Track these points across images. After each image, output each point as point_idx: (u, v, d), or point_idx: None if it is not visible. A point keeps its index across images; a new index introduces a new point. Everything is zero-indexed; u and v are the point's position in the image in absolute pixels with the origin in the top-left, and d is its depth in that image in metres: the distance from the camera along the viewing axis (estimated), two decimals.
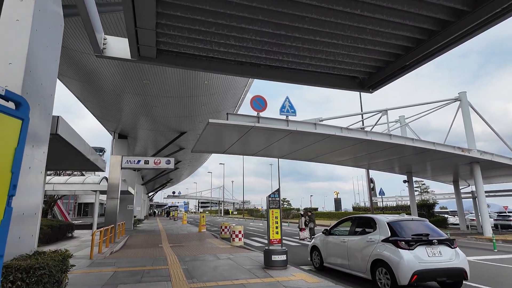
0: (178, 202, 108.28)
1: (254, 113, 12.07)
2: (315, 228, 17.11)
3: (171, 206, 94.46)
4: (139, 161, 14.66)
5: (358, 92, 23.80)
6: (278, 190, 7.77)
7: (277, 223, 7.54)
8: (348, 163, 21.63)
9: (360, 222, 6.83)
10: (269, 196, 7.68)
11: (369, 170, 25.39)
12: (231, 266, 7.40)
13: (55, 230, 12.69)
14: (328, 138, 13.75)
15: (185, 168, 44.28)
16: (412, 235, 5.61)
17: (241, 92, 17.79)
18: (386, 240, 5.70)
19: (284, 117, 12.72)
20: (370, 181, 43.00)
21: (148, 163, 14.71)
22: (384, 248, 5.65)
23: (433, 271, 5.24)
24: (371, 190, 41.07)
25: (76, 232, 17.01)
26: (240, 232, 12.65)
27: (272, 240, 7.42)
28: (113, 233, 12.76)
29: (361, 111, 26.89)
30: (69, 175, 27.71)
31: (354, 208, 36.90)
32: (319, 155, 17.74)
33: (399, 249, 5.38)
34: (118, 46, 4.13)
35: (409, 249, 5.37)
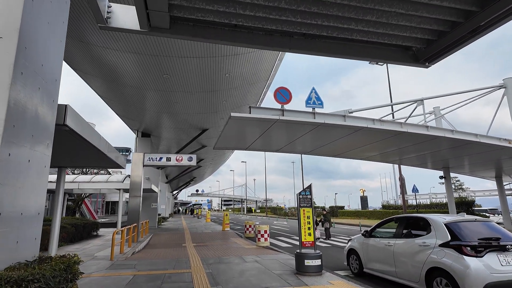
0: (201, 200, 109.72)
1: (278, 106, 11.29)
2: (330, 228, 16.09)
3: (194, 204, 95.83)
4: (161, 158, 14.33)
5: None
6: (309, 187, 6.97)
7: (309, 224, 6.74)
8: (377, 159, 20.29)
9: (409, 222, 5.89)
10: (300, 193, 6.89)
11: (395, 166, 23.85)
12: (259, 271, 6.69)
13: (79, 229, 12.58)
14: (359, 132, 12.69)
15: (207, 166, 44.30)
16: (478, 239, 4.64)
17: (263, 86, 17.07)
18: (445, 245, 4.76)
19: (310, 110, 11.82)
20: (400, 178, 40.94)
21: (170, 160, 14.34)
22: (443, 255, 4.71)
23: (510, 284, 4.26)
24: (402, 187, 39.06)
25: (102, 231, 17.02)
26: (265, 231, 11.94)
27: (304, 242, 6.63)
28: (135, 232, 12.47)
29: (391, 101, 25.34)
30: (95, 174, 28.25)
31: (384, 206, 35.14)
32: (346, 150, 16.62)
33: (464, 256, 4.43)
34: (125, 15, 3.52)
35: (477, 256, 4.41)
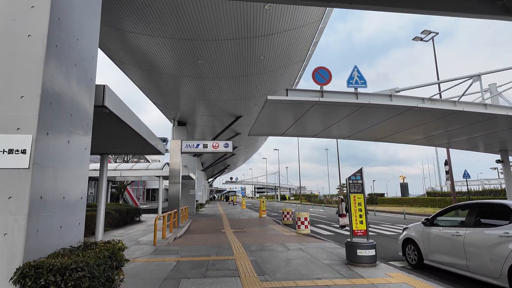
0: (235, 188, 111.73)
1: (315, 89, 10.58)
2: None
3: (229, 192, 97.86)
4: (197, 145, 14.30)
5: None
6: (360, 171, 6.34)
7: (361, 211, 6.15)
8: (422, 142, 18.71)
9: (483, 210, 5.09)
10: (350, 178, 6.29)
11: (438, 151, 21.99)
12: (306, 260, 6.28)
13: (123, 214, 13.01)
14: (406, 112, 11.58)
15: (241, 154, 44.50)
16: None
17: (298, 68, 16.28)
18: None
19: (352, 90, 10.94)
20: (446, 163, 38.14)
21: (206, 147, 14.28)
22: None
23: None
24: (448, 173, 36.35)
25: (143, 216, 17.65)
26: (306, 219, 11.48)
27: (356, 231, 6.08)
28: (176, 218, 12.64)
29: (437, 78, 23.24)
30: (136, 162, 29.45)
31: (428, 193, 32.97)
32: (389, 134, 15.41)
33: None
34: None
35: None
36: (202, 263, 6.08)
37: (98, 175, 7.58)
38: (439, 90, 21.44)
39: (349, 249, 5.95)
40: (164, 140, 70.32)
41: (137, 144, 7.42)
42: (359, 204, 6.17)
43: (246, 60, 13.23)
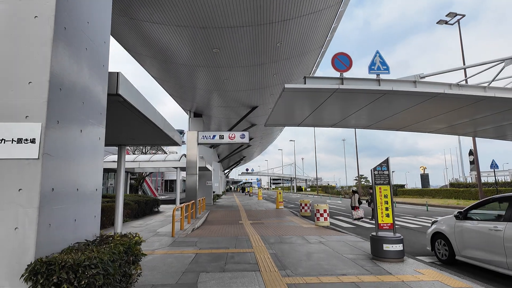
0: (251, 179, 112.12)
1: (335, 76, 10.11)
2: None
3: (245, 183, 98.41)
4: (214, 136, 14.18)
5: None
6: (387, 161, 5.96)
7: (387, 203, 5.80)
8: (446, 131, 17.78)
9: None
10: (375, 169, 5.93)
11: (461, 140, 20.92)
12: (328, 254, 6.02)
13: (141, 205, 13.14)
14: (431, 99, 10.91)
15: (256, 145, 44.34)
16: None
17: (315, 55, 15.73)
18: None
19: (374, 76, 10.40)
20: (471, 153, 36.53)
21: (223, 138, 14.13)
22: None
23: None
24: (473, 163, 34.79)
25: (162, 207, 17.86)
26: (325, 211, 11.18)
27: (382, 224, 5.75)
28: (194, 209, 12.64)
29: (463, 63, 22.00)
30: (154, 154, 29.84)
31: (452, 184, 31.70)
32: (412, 123, 14.65)
33: None
34: None
35: None
36: (221, 255, 5.94)
37: (116, 167, 7.56)
38: (465, 76, 20.29)
39: (375, 243, 5.64)
40: (181, 132, 71.10)
41: (154, 135, 7.31)
42: (385, 196, 5.82)
43: (262, 48, 12.86)
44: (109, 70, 3.79)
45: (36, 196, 2.35)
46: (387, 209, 5.79)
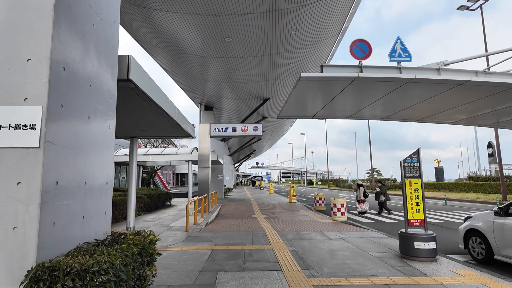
0: (261, 173, 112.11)
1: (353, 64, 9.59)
2: (386, 202, 13.70)
3: (255, 176, 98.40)
4: (226, 128, 13.84)
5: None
6: (417, 152, 5.49)
7: (418, 198, 5.36)
8: (467, 122, 16.95)
9: None
10: (405, 160, 5.47)
11: (478, 132, 20.04)
12: (352, 252, 5.63)
13: (154, 199, 12.97)
14: (456, 88, 10.26)
15: (267, 139, 43.96)
16: None
17: (331, 44, 15.13)
18: None
19: (394, 64, 9.83)
20: (489, 145, 35.25)
21: (235, 130, 13.78)
22: None
23: None
24: (492, 156, 33.54)
25: (174, 201, 17.73)
26: (342, 205, 10.75)
27: (412, 220, 5.31)
28: (207, 203, 12.41)
29: (486, 50, 20.94)
30: (165, 147, 29.81)
31: (470, 177, 30.62)
32: (430, 114, 13.91)
33: None
34: None
35: None
36: (238, 252, 5.63)
37: (127, 160, 7.31)
38: (487, 64, 19.33)
39: (404, 241, 5.21)
40: (192, 125, 71.35)
41: (166, 126, 7.01)
42: (416, 190, 5.37)
43: (276, 36, 12.36)
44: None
45: (38, 191, 2.04)
46: (417, 204, 5.34)
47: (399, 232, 5.44)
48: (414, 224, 5.30)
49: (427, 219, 11.80)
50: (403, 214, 13.31)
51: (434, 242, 5.09)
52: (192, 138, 9.24)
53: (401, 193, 27.41)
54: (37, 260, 1.98)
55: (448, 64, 11.19)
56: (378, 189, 13.80)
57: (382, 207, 13.56)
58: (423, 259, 5.02)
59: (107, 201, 3.04)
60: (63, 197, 2.28)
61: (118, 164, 20.16)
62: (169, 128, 7.30)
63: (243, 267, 4.66)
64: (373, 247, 6.03)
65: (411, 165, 5.45)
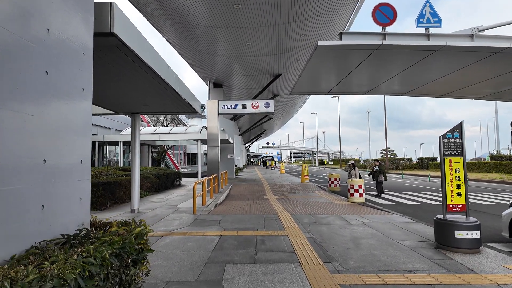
0: (271, 153, 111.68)
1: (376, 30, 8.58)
2: (382, 182, 12.53)
3: (266, 156, 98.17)
4: (236, 105, 13.08)
5: None
6: (460, 126, 4.64)
7: (459, 179, 4.57)
8: (491, 97, 15.48)
9: None
10: (445, 136, 4.65)
11: (498, 110, 18.44)
12: (379, 240, 4.96)
13: (162, 178, 12.54)
14: (491, 57, 9.08)
15: (278, 118, 42.97)
16: None
17: (349, 13, 13.83)
18: None
19: (422, 31, 8.72)
20: None
21: (245, 107, 13.02)
22: None
23: None
24: None
25: (184, 180, 17.37)
26: (360, 186, 10.04)
27: (451, 205, 4.56)
28: (216, 183, 11.90)
29: None
30: (174, 126, 29.38)
31: (492, 157, 29.15)
32: (456, 88, 12.65)
33: None
34: None
35: None
36: (249, 239, 5.04)
37: (130, 139, 6.71)
38: None
39: (442, 228, 4.49)
40: (202, 106, 70.70)
41: (169, 100, 6.31)
42: (457, 170, 4.57)
43: (289, 2, 11.26)
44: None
45: None
46: (458, 186, 4.56)
47: (434, 218, 4.71)
48: (453, 209, 4.55)
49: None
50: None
51: (479, 231, 4.35)
52: (201, 115, 8.55)
53: (434, 173, 26.21)
54: None
55: (482, 30, 9.91)
56: (376, 168, 12.68)
57: (381, 188, 12.61)
58: (465, 251, 4.30)
59: (83, 185, 2.39)
60: (4, 180, 1.63)
61: (126, 143, 19.81)
62: (173, 102, 6.61)
63: (255, 259, 4.05)
64: (402, 234, 5.34)
65: (452, 141, 4.63)
